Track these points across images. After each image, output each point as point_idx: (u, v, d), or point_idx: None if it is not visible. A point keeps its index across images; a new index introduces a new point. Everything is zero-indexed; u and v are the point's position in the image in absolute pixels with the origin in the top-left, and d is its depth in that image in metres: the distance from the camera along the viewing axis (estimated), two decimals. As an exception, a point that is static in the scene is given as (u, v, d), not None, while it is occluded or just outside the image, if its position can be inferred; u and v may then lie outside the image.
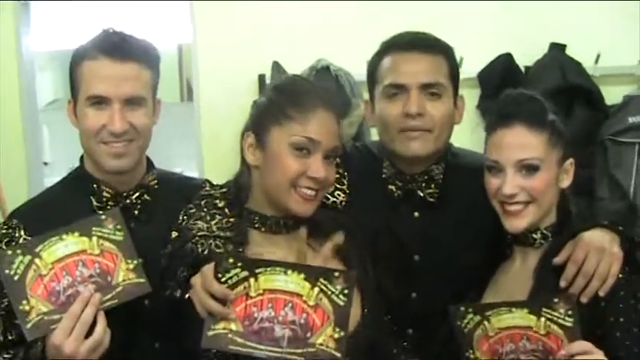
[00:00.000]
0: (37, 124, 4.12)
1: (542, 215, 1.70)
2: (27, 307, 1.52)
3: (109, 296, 1.56)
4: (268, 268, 1.47)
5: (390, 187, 1.90)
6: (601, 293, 1.57)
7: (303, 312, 1.46)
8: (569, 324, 1.47)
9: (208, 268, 1.49)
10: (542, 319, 1.48)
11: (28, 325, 1.53)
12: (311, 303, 1.47)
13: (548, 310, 1.48)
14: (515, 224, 1.68)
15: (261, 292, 1.47)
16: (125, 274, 1.58)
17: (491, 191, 1.71)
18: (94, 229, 1.58)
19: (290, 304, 1.46)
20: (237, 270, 1.47)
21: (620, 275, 1.58)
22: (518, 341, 1.52)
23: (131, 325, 1.66)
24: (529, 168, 1.66)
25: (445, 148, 1.92)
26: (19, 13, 3.90)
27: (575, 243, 1.61)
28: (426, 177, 1.88)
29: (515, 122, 1.68)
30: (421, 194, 1.88)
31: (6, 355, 1.64)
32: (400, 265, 1.85)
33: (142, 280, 1.58)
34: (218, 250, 1.58)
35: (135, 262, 1.58)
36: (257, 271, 1.47)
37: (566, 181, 1.73)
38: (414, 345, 1.82)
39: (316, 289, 1.47)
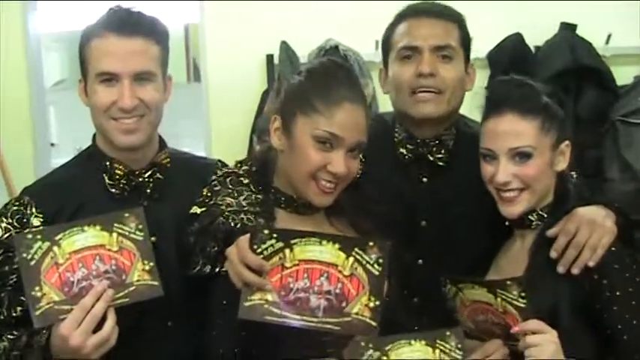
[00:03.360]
0: (43, 104, 4.13)
1: (538, 199, 1.70)
2: (39, 294, 1.52)
3: (121, 294, 1.55)
4: (303, 239, 1.49)
5: (400, 150, 1.92)
6: (591, 263, 1.58)
7: (339, 282, 1.48)
8: (521, 304, 1.50)
9: (244, 240, 1.50)
10: (499, 299, 1.52)
11: (37, 312, 1.52)
12: (346, 273, 1.48)
13: (503, 292, 1.51)
14: (511, 210, 1.70)
15: (296, 262, 1.48)
16: (140, 274, 1.57)
17: (486, 178, 1.72)
18: (115, 225, 1.57)
19: (325, 274, 1.48)
20: (273, 241, 1.48)
21: (613, 248, 1.60)
22: (484, 314, 1.57)
23: (143, 305, 1.65)
24: (522, 155, 1.67)
25: (457, 115, 1.95)
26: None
27: (568, 217, 1.65)
28: (437, 142, 1.91)
29: (506, 110, 1.68)
30: (431, 158, 1.91)
31: (10, 336, 1.63)
32: (407, 230, 1.87)
33: (155, 283, 1.57)
34: (250, 224, 1.58)
35: (151, 264, 1.58)
36: (292, 241, 1.48)
37: (563, 164, 1.73)
38: (420, 314, 1.82)
39: (351, 259, 1.48)
